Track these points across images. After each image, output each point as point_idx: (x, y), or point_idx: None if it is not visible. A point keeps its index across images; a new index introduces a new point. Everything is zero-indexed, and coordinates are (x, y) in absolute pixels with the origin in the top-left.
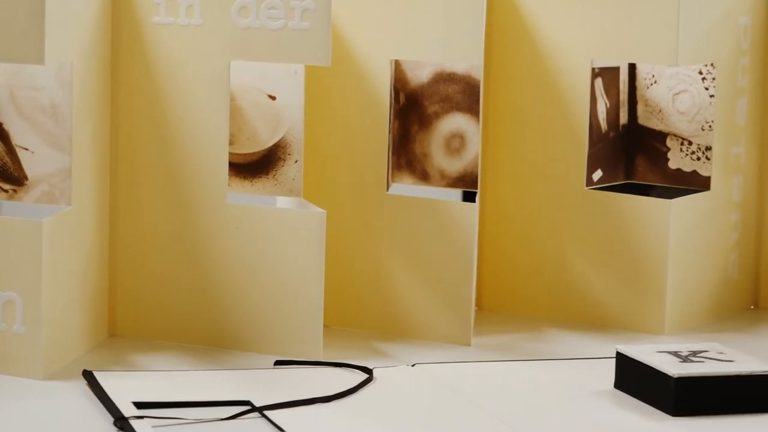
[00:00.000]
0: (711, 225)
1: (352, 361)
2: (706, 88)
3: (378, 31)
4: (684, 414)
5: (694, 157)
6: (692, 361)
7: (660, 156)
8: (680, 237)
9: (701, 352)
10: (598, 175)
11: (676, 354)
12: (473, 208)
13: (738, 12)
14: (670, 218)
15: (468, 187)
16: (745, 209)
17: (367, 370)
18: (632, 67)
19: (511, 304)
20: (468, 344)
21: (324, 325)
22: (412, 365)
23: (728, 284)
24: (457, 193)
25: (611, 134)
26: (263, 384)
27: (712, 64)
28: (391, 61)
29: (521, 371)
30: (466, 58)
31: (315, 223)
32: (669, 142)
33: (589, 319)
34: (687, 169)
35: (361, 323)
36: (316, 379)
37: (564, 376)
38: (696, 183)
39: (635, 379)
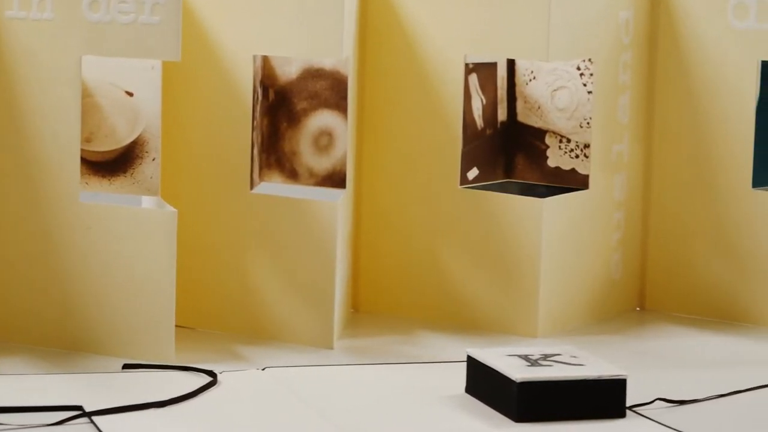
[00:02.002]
0: (590, 224)
1: (207, 365)
2: (584, 84)
3: (241, 25)
4: (527, 420)
5: (573, 154)
6: (540, 365)
7: (539, 154)
8: (554, 237)
9: (553, 355)
10: (473, 173)
11: (526, 358)
12: (335, 207)
13: (618, 6)
14: (542, 218)
15: (336, 185)
16: (628, 208)
17: (212, 374)
18: (511, 63)
19: (387, 305)
20: (331, 347)
21: (188, 327)
22: (263, 369)
23: (611, 285)
24: (323, 192)
25: (488, 131)
26: (106, 388)
27: (590, 60)
28: (254, 57)
29: (374, 375)
30: (329, 53)
31: (166, 223)
32: (548, 140)
33: (463, 321)
34: (566, 167)
35: (225, 325)
36: (161, 384)
37: (418, 380)
38: (574, 181)
39: (484, 384)
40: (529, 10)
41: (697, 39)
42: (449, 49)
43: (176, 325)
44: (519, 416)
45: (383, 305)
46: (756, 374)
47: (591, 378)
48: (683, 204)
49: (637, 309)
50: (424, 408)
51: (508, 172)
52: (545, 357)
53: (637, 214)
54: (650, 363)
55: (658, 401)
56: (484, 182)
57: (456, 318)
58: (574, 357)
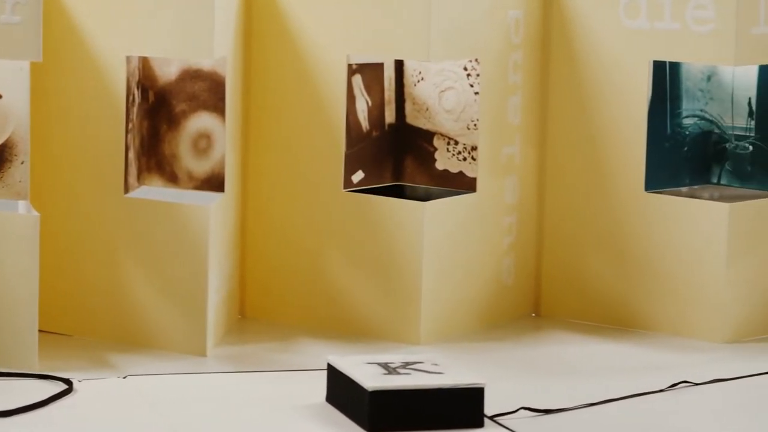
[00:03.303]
0: (479, 229)
1: (73, 372)
2: (471, 85)
3: (113, 25)
4: (381, 429)
5: (461, 157)
6: (398, 374)
7: (428, 156)
8: (438, 241)
9: (414, 363)
10: (358, 176)
11: (385, 366)
12: (207, 211)
13: (507, 5)
14: (423, 222)
15: (215, 189)
16: (521, 212)
17: (68, 382)
18: (399, 64)
19: (274, 311)
20: (204, 355)
21: (63, 334)
22: (124, 377)
23: (503, 291)
24: (200, 196)
25: (374, 134)
26: None
27: (476, 60)
28: (128, 58)
29: (237, 384)
30: (201, 54)
31: (29, 227)
32: (436, 142)
33: (348, 327)
34: (453, 169)
35: (100, 332)
36: (15, 392)
37: (281, 389)
38: (462, 184)
39: (342, 392)
40: (411, 10)
41: (590, 39)
42: (332, 50)
43: (50, 332)
44: (371, 425)
45: (270, 311)
46: (641, 382)
47: (447, 387)
48: (577, 207)
49: (533, 315)
50: (281, 417)
51: (398, 175)
52: (406, 365)
53: (530, 218)
54: (535, 371)
55: (522, 410)
56: (372, 185)
57: (341, 325)
58: (436, 365)
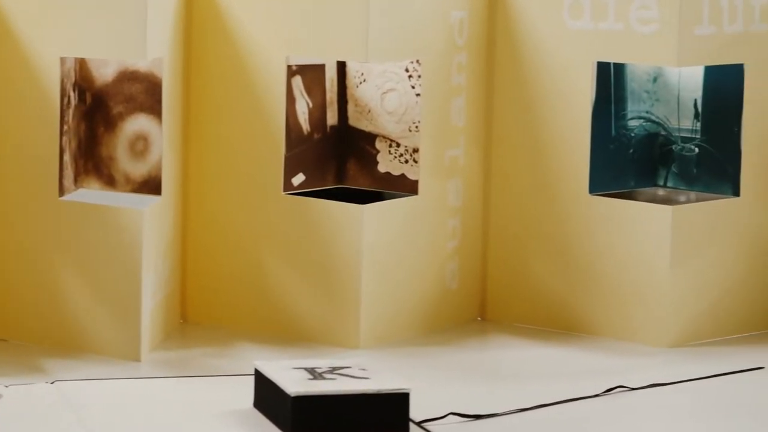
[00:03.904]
0: (422, 232)
1: (3, 378)
2: (413, 87)
3: (47, 26)
4: None
5: (402, 159)
6: (324, 379)
7: (370, 159)
8: (378, 245)
9: (341, 368)
10: (299, 179)
11: (312, 371)
12: (140, 215)
13: (450, 6)
14: (362, 225)
15: (152, 192)
16: (465, 215)
17: None
18: (342, 65)
19: (216, 315)
20: (138, 359)
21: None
22: (52, 382)
23: (448, 295)
24: (136, 199)
25: (316, 136)
26: None
27: (417, 61)
28: (63, 59)
29: (166, 389)
30: (133, 54)
31: None
32: (378, 144)
33: (289, 332)
34: (395, 172)
35: (34, 336)
36: None
37: (210, 395)
38: (404, 187)
39: (268, 398)
40: (349, 10)
41: (534, 40)
42: (271, 51)
43: None
44: (294, 431)
45: (212, 315)
46: (579, 386)
47: (371, 392)
48: (522, 210)
49: (479, 319)
50: (205, 423)
51: (341, 177)
52: (332, 370)
53: (475, 221)
54: (474, 375)
55: (451, 416)
56: (313, 188)
57: (282, 329)
58: (363, 370)
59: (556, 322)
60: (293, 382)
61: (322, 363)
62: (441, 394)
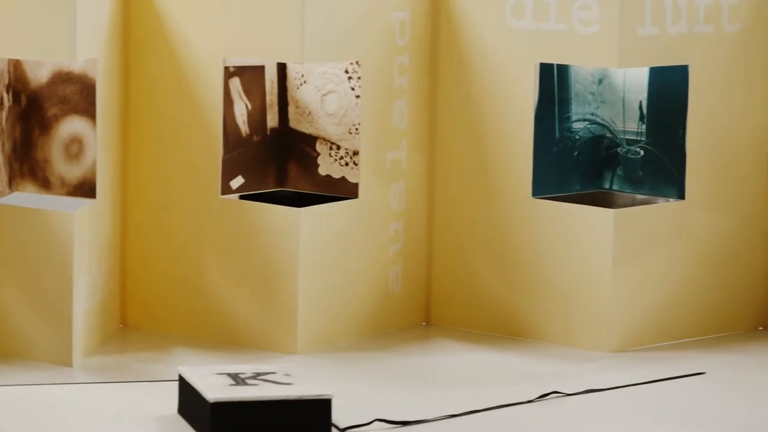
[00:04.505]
0: (363, 236)
1: None
2: (353, 88)
3: None
4: None
5: (343, 162)
6: (246, 385)
7: (311, 161)
8: (315, 249)
9: (266, 374)
10: (238, 182)
11: (235, 376)
12: (71, 218)
13: (390, 7)
14: (299, 229)
15: (87, 195)
16: (409, 219)
17: None
18: (282, 66)
19: (155, 320)
20: (70, 365)
21: None
22: None
23: (391, 299)
24: (70, 202)
25: (255, 138)
26: None
27: (357, 62)
28: None
29: (92, 395)
30: (63, 55)
31: None
32: (319, 147)
33: (227, 336)
34: (336, 175)
35: None
36: None
37: (137, 400)
38: (345, 190)
39: (190, 404)
40: (284, 11)
41: (478, 40)
42: (208, 52)
43: None
44: None
45: (152, 320)
46: (516, 392)
47: (291, 398)
48: (466, 214)
49: (424, 324)
50: (128, 429)
51: (282, 180)
52: (256, 375)
53: (418, 224)
54: (411, 381)
55: (377, 422)
56: (253, 191)
57: (220, 334)
58: (288, 376)
59: (501, 326)
60: (213, 387)
61: (247, 368)
62: (374, 399)
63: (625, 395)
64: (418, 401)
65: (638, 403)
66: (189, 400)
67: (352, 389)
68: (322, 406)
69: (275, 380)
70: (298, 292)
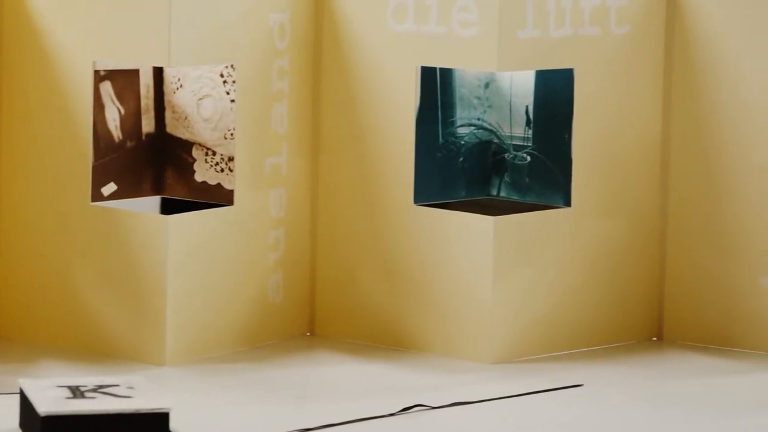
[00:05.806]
0: (238, 244)
1: None
2: (228, 92)
3: None
4: None
5: (218, 168)
6: (85, 398)
7: (187, 167)
8: (186, 258)
9: (107, 386)
10: (110, 188)
11: (75, 389)
12: None
13: (268, 9)
14: (168, 237)
15: None
16: (290, 226)
17: None
18: (159, 70)
19: (29, 330)
20: None
21: None
22: None
23: (271, 309)
24: None
25: (129, 144)
26: None
27: (231, 66)
28: None
29: None
30: None
31: None
32: (195, 152)
33: (97, 347)
34: (212, 181)
35: None
36: None
37: None
38: (221, 197)
39: (29, 417)
40: (150, 13)
41: (360, 43)
42: (77, 54)
43: None
44: None
45: (25, 331)
46: (383, 405)
47: (126, 412)
48: (349, 221)
49: (308, 334)
50: None
51: (158, 187)
52: (98, 388)
53: (300, 232)
54: (278, 393)
55: None
56: (128, 198)
57: (91, 344)
58: (131, 388)
59: (384, 337)
60: (47, 401)
61: (89, 381)
62: (227, 413)
63: (493, 408)
64: (277, 414)
65: (505, 416)
66: (27, 413)
67: (208, 403)
68: (160, 420)
69: (115, 393)
70: (168, 302)
